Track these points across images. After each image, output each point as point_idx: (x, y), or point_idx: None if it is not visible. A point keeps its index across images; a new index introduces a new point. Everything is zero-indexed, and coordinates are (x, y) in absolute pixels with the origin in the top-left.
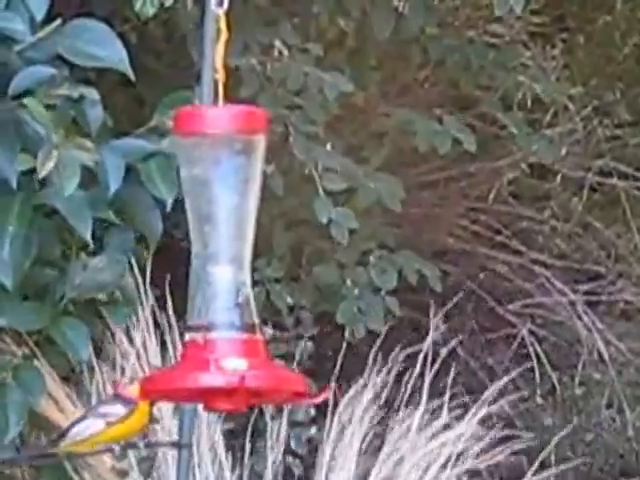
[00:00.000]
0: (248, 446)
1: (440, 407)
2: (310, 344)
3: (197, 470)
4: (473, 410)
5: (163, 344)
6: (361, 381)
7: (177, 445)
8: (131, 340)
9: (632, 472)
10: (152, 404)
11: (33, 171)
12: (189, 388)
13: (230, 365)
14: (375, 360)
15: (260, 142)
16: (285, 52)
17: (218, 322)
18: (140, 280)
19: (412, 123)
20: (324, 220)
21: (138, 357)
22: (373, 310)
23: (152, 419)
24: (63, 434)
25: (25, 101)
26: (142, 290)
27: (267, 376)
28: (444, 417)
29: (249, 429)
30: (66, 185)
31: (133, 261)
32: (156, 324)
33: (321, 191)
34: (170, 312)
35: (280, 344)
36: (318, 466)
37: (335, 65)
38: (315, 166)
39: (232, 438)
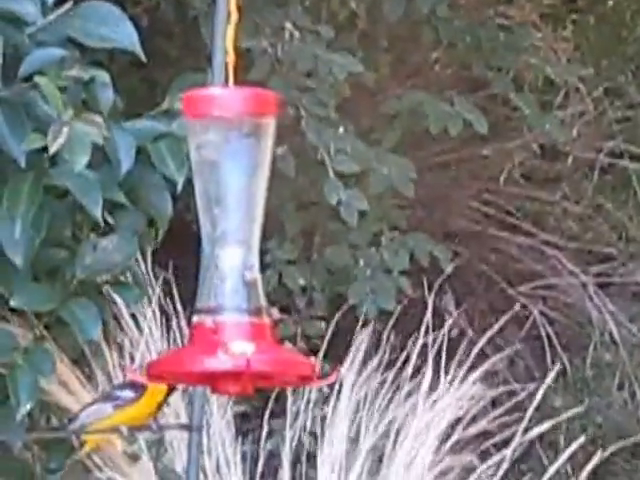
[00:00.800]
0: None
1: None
2: (322, 325)
3: (206, 453)
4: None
5: (169, 326)
6: (374, 360)
7: (188, 428)
8: (138, 324)
9: None
10: (171, 389)
11: (44, 151)
12: (196, 371)
13: (237, 348)
14: (387, 340)
15: (270, 124)
16: (296, 34)
17: (225, 305)
18: (148, 263)
19: (423, 105)
20: (334, 201)
21: (146, 341)
22: (385, 290)
23: (162, 404)
24: (73, 418)
25: (36, 79)
26: (150, 273)
27: (273, 360)
28: (451, 394)
29: (267, 409)
30: (76, 161)
31: (142, 243)
32: (163, 307)
33: (331, 173)
34: (176, 295)
35: (291, 325)
36: (327, 443)
37: (346, 47)
38: (326, 148)
39: (244, 419)
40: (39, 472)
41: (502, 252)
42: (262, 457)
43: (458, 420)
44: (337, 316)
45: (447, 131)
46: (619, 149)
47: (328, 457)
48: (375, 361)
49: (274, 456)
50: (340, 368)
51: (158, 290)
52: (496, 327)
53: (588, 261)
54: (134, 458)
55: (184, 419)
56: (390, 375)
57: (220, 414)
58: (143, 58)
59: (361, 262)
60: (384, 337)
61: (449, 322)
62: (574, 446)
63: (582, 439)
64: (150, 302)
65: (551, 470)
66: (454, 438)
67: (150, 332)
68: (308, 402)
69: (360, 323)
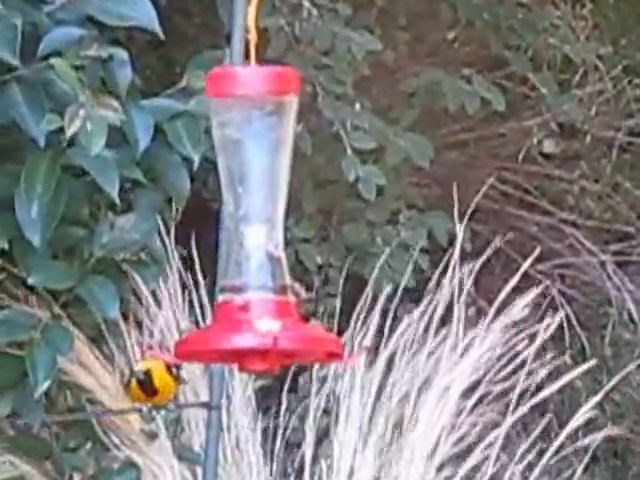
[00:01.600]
0: (281, 405)
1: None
2: (339, 302)
3: (226, 430)
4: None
5: (191, 305)
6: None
7: (207, 406)
8: (158, 302)
9: None
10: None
11: (61, 131)
12: (222, 350)
13: (263, 326)
14: (403, 317)
15: (292, 103)
16: (314, 12)
17: (251, 283)
18: (167, 240)
19: (441, 83)
20: (351, 178)
21: (166, 318)
22: (403, 267)
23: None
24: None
25: (52, 61)
26: (169, 250)
27: (300, 337)
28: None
29: (285, 387)
30: (93, 143)
31: (160, 221)
32: (183, 285)
33: (349, 149)
34: (198, 273)
35: (308, 303)
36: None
37: (364, 25)
38: (343, 125)
39: (264, 396)
40: (57, 451)
41: (520, 231)
42: (281, 433)
43: (474, 403)
44: (354, 293)
45: (465, 109)
46: (638, 127)
47: (345, 431)
48: (393, 339)
49: (294, 432)
50: (367, 346)
51: (178, 267)
52: (515, 305)
53: (606, 239)
54: (152, 436)
55: (204, 397)
56: (406, 356)
57: (241, 390)
58: (162, 36)
59: (378, 240)
60: (401, 314)
61: (464, 299)
62: (580, 419)
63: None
64: (170, 279)
65: (569, 449)
66: (469, 420)
67: (171, 309)
68: (324, 378)
69: (372, 300)
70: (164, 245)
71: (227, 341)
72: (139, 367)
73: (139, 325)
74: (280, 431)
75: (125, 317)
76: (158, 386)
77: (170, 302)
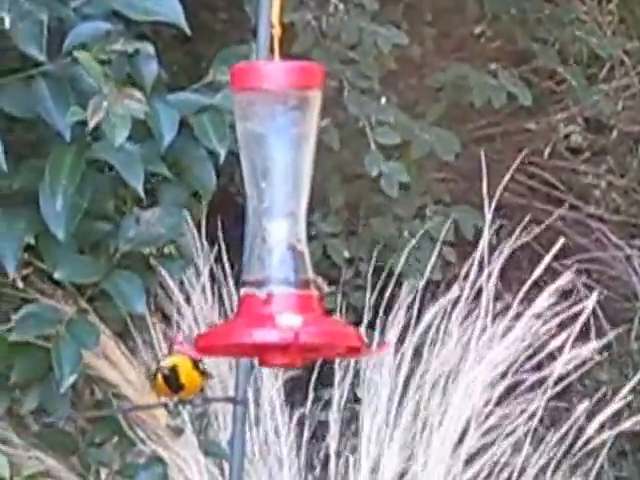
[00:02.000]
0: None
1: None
2: (368, 296)
3: (254, 423)
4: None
5: (220, 299)
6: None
7: (233, 401)
8: (187, 296)
9: None
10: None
11: (86, 124)
12: (243, 344)
13: (285, 321)
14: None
15: (316, 98)
16: (340, 7)
17: (273, 277)
18: (195, 235)
19: (467, 78)
20: (374, 173)
21: (194, 312)
22: (429, 261)
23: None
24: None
25: (76, 54)
26: (197, 245)
27: (322, 332)
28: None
29: (312, 378)
30: (116, 134)
31: (188, 216)
32: (212, 279)
33: (372, 144)
34: (226, 267)
35: (337, 297)
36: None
37: (391, 20)
38: (368, 120)
39: (293, 388)
40: (83, 446)
41: (546, 225)
42: (309, 425)
43: (501, 396)
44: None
45: (492, 104)
46: None
47: (371, 422)
48: (419, 329)
49: (323, 423)
50: (389, 341)
51: (206, 261)
52: (539, 299)
53: (633, 234)
54: (178, 431)
55: (231, 391)
56: (433, 347)
57: (270, 383)
58: (188, 31)
59: (405, 233)
60: (427, 307)
61: (491, 287)
62: (607, 413)
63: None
64: (200, 273)
65: (596, 443)
66: (496, 412)
67: (199, 303)
68: (350, 369)
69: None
70: (193, 239)
71: (248, 335)
72: (165, 363)
73: (167, 319)
74: (307, 423)
75: (152, 311)
76: (184, 382)
77: (199, 296)
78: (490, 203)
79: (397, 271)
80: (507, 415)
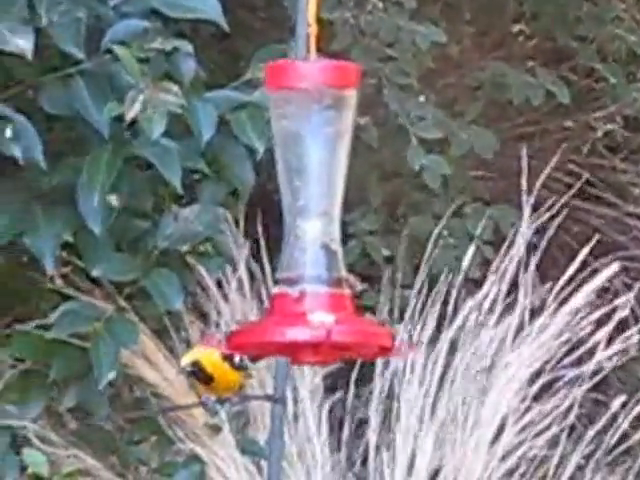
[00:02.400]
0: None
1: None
2: (407, 294)
3: (292, 421)
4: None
5: (259, 297)
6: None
7: (271, 399)
8: (225, 294)
9: None
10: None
11: (123, 120)
12: (275, 342)
13: (317, 319)
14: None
15: (352, 96)
16: (379, 5)
17: (306, 276)
18: (233, 232)
19: (506, 76)
20: (416, 167)
21: (232, 311)
22: (470, 259)
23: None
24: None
25: (116, 50)
26: (236, 243)
27: (353, 330)
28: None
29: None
30: (153, 128)
31: (227, 214)
32: (251, 277)
33: (413, 139)
34: (265, 265)
35: (375, 295)
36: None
37: (429, 18)
38: (408, 116)
39: (331, 385)
40: (122, 444)
41: (585, 223)
42: (348, 422)
43: (538, 392)
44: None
45: (530, 102)
46: None
47: (407, 418)
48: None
49: (361, 421)
50: (420, 342)
51: (245, 259)
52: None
53: None
54: (216, 430)
55: (269, 390)
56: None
57: (308, 380)
58: (227, 29)
59: (445, 232)
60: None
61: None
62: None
63: None
64: (236, 269)
65: (636, 436)
66: (533, 407)
67: (237, 301)
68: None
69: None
70: (233, 238)
71: (280, 333)
72: (185, 360)
73: (204, 317)
74: (347, 419)
75: (189, 310)
76: (212, 373)
77: (237, 294)
78: (528, 201)
79: (436, 269)
80: (544, 411)
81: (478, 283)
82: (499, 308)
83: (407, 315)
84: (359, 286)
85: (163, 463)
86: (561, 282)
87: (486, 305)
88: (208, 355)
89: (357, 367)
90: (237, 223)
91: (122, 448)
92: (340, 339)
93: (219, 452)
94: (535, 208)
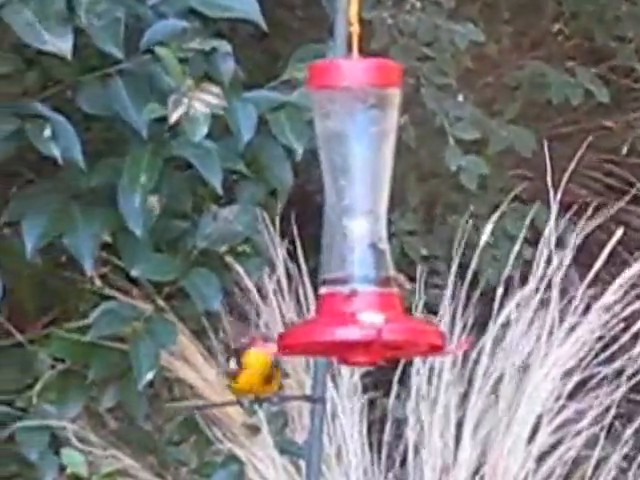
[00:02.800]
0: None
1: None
2: (445, 293)
3: (331, 422)
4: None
5: (296, 297)
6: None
7: (310, 399)
8: (261, 294)
9: None
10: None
11: (163, 121)
12: (326, 342)
13: (367, 318)
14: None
15: (395, 95)
16: (417, 4)
17: (354, 276)
18: (272, 233)
19: (545, 76)
20: (454, 167)
21: (271, 311)
22: (507, 258)
23: (269, 376)
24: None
25: (157, 50)
26: (274, 243)
27: (404, 329)
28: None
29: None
30: (196, 131)
31: (265, 214)
32: (288, 277)
33: (451, 139)
34: (302, 265)
35: (416, 294)
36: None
37: (467, 18)
38: (446, 116)
39: (370, 388)
40: (162, 443)
41: (624, 223)
42: (389, 421)
43: (573, 392)
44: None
45: (569, 102)
46: None
47: (443, 418)
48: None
49: (399, 421)
50: (470, 340)
51: (283, 259)
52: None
53: None
54: (254, 430)
55: (308, 390)
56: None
57: (347, 379)
58: (265, 28)
59: (483, 231)
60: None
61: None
62: None
63: None
64: (274, 270)
65: None
66: (570, 408)
67: (276, 302)
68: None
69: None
70: (270, 238)
71: (331, 333)
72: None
73: (242, 318)
74: (389, 418)
75: (227, 310)
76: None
77: (275, 294)
78: (567, 201)
79: (475, 269)
80: (581, 410)
81: (513, 282)
82: (533, 306)
83: (446, 314)
84: (407, 286)
85: (202, 463)
86: (603, 285)
87: (533, 304)
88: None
89: (397, 367)
90: (274, 223)
91: (161, 448)
92: (391, 338)
93: (257, 452)
94: (574, 208)
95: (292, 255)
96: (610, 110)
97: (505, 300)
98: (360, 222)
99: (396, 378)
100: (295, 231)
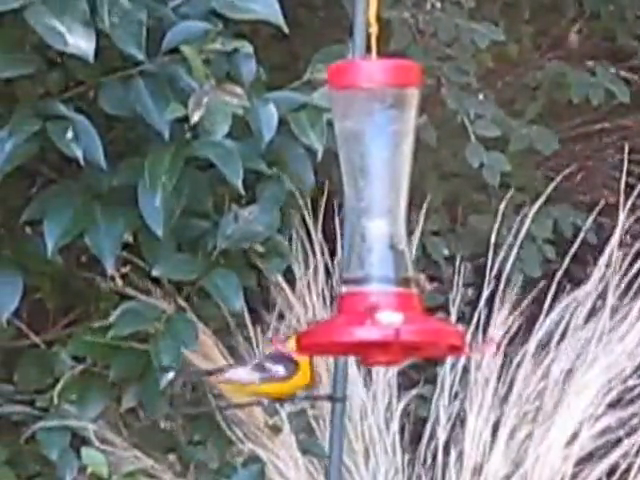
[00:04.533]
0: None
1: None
2: (469, 293)
3: (360, 420)
4: None
5: (323, 296)
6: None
7: (331, 399)
8: (294, 292)
9: None
10: (312, 363)
11: (184, 121)
12: (345, 342)
13: (385, 319)
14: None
15: (414, 95)
16: (437, 4)
17: (373, 275)
18: (294, 232)
19: (565, 75)
20: (475, 164)
21: (295, 310)
22: (530, 258)
23: (313, 378)
24: (217, 370)
25: (182, 48)
26: (296, 243)
27: (422, 330)
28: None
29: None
30: (217, 130)
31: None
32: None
33: (473, 137)
34: (320, 265)
35: (437, 295)
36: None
37: (488, 18)
38: (467, 114)
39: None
40: (183, 443)
41: None
42: (411, 425)
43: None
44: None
45: (589, 102)
46: None
47: (476, 421)
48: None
49: (424, 423)
50: (494, 340)
51: (304, 259)
52: None
53: None
54: (276, 430)
55: (329, 390)
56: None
57: (379, 379)
58: (286, 30)
59: (504, 231)
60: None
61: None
62: None
63: None
64: (308, 266)
65: None
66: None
67: (301, 303)
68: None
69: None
70: (291, 237)
71: (349, 333)
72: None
73: (259, 318)
74: (410, 419)
75: (251, 310)
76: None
77: (305, 292)
78: (588, 201)
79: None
80: (622, 419)
81: (539, 282)
82: (584, 312)
83: (468, 316)
84: (428, 286)
85: (223, 463)
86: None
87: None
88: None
89: (426, 366)
90: (304, 221)
91: (182, 448)
92: (409, 338)
93: (279, 452)
94: (595, 207)
95: (313, 254)
96: (630, 109)
97: (555, 302)
98: (379, 222)
99: (423, 377)
100: (318, 231)
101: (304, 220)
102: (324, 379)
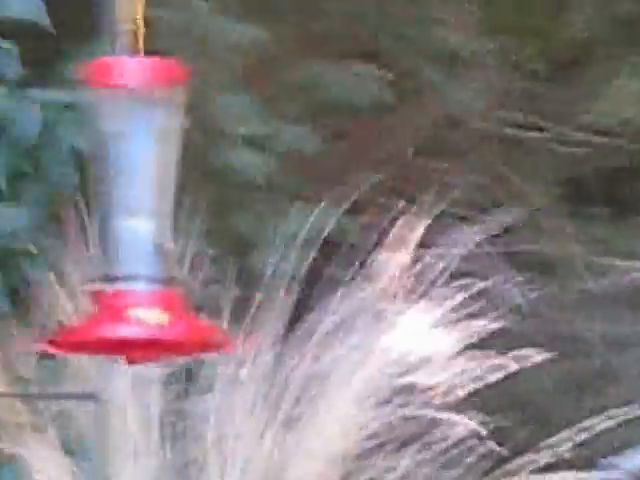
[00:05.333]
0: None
1: None
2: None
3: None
4: None
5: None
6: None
7: (93, 397)
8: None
9: None
10: None
11: None
12: (105, 340)
13: (147, 317)
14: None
15: (177, 95)
16: (204, 6)
17: (135, 274)
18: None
19: (326, 75)
20: (239, 165)
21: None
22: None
23: None
24: None
25: None
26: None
27: (184, 328)
28: None
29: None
30: None
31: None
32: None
33: (237, 138)
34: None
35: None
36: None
37: (252, 19)
38: (230, 114)
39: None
40: None
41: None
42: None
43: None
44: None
45: (353, 102)
46: None
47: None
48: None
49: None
50: (255, 337)
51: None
52: None
53: None
54: (38, 429)
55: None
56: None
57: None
58: (51, 29)
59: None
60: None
61: None
62: None
63: None
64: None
65: None
66: None
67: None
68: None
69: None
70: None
71: (111, 331)
72: None
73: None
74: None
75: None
76: None
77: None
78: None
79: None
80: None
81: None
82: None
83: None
84: (193, 286)
85: None
86: None
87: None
88: None
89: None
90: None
91: None
92: (172, 337)
93: (41, 452)
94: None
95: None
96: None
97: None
98: (144, 222)
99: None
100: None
101: (81, 217)
102: (89, 378)
